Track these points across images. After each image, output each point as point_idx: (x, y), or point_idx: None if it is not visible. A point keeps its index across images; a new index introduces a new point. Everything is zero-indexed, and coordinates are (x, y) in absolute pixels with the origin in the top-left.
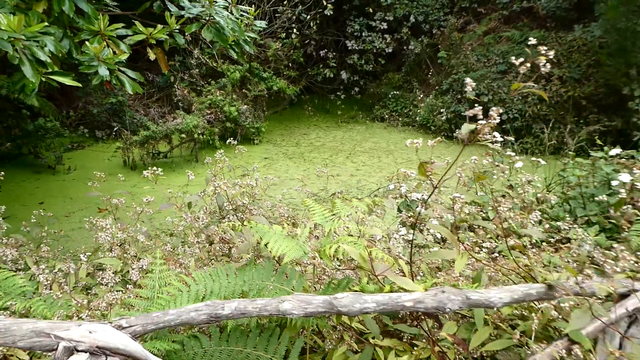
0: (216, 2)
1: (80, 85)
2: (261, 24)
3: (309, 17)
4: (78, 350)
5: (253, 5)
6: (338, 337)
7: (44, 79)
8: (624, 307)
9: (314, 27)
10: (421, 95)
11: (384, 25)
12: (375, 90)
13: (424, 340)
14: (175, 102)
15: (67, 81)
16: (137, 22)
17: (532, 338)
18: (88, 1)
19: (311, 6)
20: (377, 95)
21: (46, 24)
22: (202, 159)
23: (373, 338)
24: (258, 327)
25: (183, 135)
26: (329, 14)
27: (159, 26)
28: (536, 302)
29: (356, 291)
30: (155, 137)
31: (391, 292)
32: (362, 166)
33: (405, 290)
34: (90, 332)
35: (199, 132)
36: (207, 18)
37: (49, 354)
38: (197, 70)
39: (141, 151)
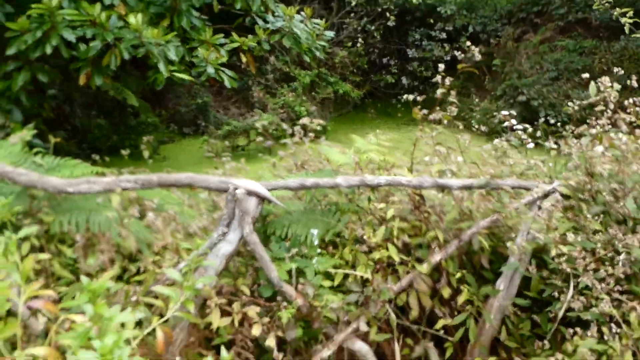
0: (294, 16)
1: (194, 80)
2: (330, 34)
3: (373, 27)
4: (237, 191)
5: (323, 18)
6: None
7: (169, 75)
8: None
9: (378, 37)
10: (477, 100)
11: (444, 35)
12: (432, 96)
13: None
14: (252, 103)
15: (185, 76)
16: (233, 33)
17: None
18: (198, 17)
19: (375, 18)
20: (434, 101)
21: (172, 35)
22: (275, 151)
23: None
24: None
25: (259, 130)
26: (391, 25)
27: (250, 36)
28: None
29: None
30: (236, 132)
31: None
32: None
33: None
34: (247, 184)
35: (273, 128)
36: (287, 29)
37: (223, 194)
38: (272, 75)
39: (223, 144)
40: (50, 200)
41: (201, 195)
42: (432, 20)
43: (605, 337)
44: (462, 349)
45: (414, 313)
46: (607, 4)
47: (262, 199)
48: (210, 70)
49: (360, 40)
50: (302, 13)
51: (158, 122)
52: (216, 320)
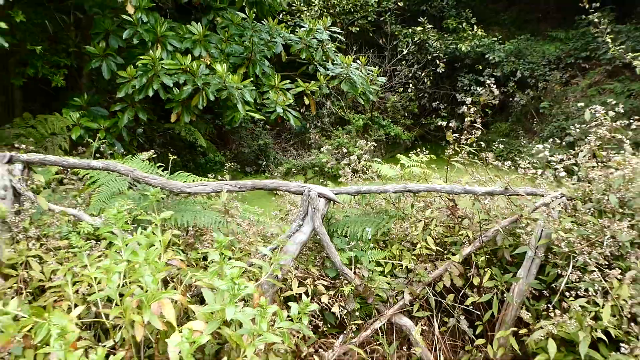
0: (351, 64)
1: (264, 118)
2: (382, 79)
3: (423, 74)
4: (310, 192)
5: (376, 66)
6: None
7: (245, 114)
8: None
9: (428, 83)
10: (524, 141)
11: (492, 80)
12: (483, 138)
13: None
14: (308, 144)
15: (257, 115)
16: (298, 79)
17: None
18: (268, 66)
19: (426, 65)
20: (485, 142)
21: (248, 81)
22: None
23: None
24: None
25: (316, 168)
26: (441, 72)
27: (312, 82)
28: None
29: None
30: (295, 170)
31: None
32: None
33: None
34: (318, 188)
35: (329, 166)
36: (345, 76)
37: (299, 196)
38: (327, 119)
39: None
40: (166, 203)
41: (272, 213)
42: (480, 67)
43: (595, 300)
44: (491, 328)
45: (443, 285)
46: (621, 50)
47: (328, 200)
48: (279, 110)
49: (411, 85)
50: (358, 61)
51: (223, 161)
52: (295, 287)
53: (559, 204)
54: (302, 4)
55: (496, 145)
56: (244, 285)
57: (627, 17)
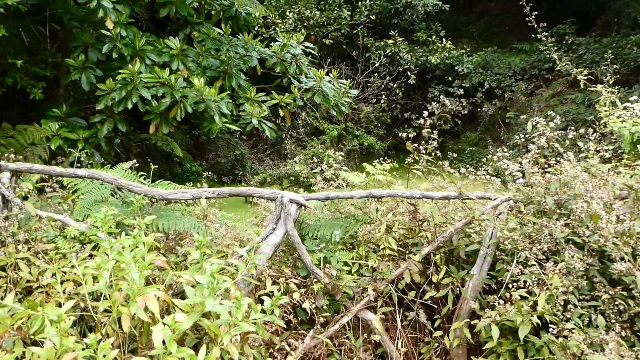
0: (323, 77)
1: (241, 130)
2: (354, 91)
3: (395, 85)
4: (283, 198)
5: (349, 78)
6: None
7: (222, 126)
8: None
9: (400, 94)
10: (492, 150)
11: (461, 91)
12: (454, 147)
13: None
14: (284, 154)
15: (234, 126)
16: (273, 92)
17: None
18: (244, 79)
19: (397, 76)
20: (455, 151)
21: (225, 94)
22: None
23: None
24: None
25: (292, 178)
26: (412, 83)
27: (287, 94)
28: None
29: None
30: (271, 180)
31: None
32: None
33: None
34: (290, 195)
35: (304, 176)
36: (317, 88)
37: (273, 201)
38: (303, 129)
39: None
40: (147, 210)
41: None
42: (450, 78)
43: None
44: (449, 322)
45: (405, 283)
46: (567, 65)
47: (300, 205)
48: (255, 121)
49: (383, 96)
50: (330, 75)
51: (200, 171)
52: (268, 285)
53: (506, 207)
54: (276, 17)
55: (465, 154)
56: (222, 280)
57: (587, 31)
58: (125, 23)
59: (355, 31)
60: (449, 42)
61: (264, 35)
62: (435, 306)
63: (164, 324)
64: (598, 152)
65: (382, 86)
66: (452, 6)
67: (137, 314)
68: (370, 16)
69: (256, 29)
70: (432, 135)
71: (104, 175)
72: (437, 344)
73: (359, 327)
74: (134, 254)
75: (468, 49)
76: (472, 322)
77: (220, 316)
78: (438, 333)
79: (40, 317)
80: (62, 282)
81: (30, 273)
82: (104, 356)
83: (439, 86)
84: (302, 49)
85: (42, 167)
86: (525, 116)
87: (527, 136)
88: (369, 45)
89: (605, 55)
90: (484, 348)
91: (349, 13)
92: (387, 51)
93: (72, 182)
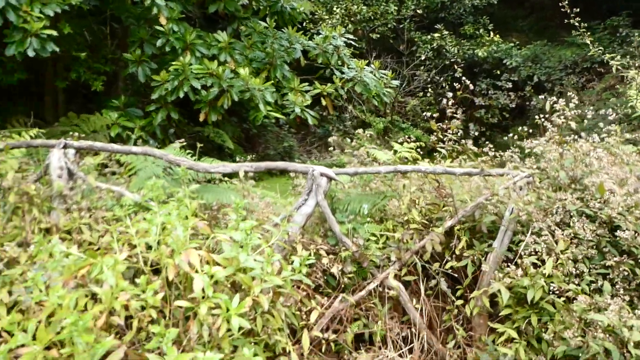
0: (364, 68)
1: (284, 118)
2: (396, 82)
3: (441, 79)
4: (314, 172)
5: (395, 72)
6: None
7: (266, 113)
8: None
9: (446, 87)
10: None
11: (509, 85)
12: (501, 140)
13: None
14: (331, 146)
15: (278, 114)
16: (316, 82)
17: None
18: (288, 70)
19: (443, 69)
20: (502, 145)
21: (269, 83)
22: None
23: None
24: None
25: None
26: (458, 76)
27: (329, 84)
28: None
29: None
30: None
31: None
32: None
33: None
34: (320, 169)
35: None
36: (358, 79)
37: (305, 175)
38: (349, 122)
39: None
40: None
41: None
42: (498, 72)
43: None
44: (470, 292)
45: (429, 254)
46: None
47: (330, 179)
48: (297, 110)
49: (430, 90)
50: (372, 65)
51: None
52: (299, 250)
53: (525, 183)
54: (324, 13)
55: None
56: (255, 237)
57: None
58: (177, 19)
59: (401, 25)
60: (497, 35)
61: (311, 30)
62: (458, 277)
63: (203, 272)
64: (618, 133)
65: (428, 79)
66: (503, 1)
67: (181, 265)
68: (417, 10)
69: (304, 24)
70: (455, 115)
71: (156, 152)
72: (458, 312)
73: (384, 295)
74: (178, 213)
75: (517, 43)
76: (490, 291)
77: (253, 270)
78: (459, 302)
79: (99, 265)
80: (117, 241)
81: (91, 236)
82: (153, 294)
83: (487, 79)
84: (343, 41)
85: (101, 145)
86: (543, 96)
87: (546, 116)
88: (415, 39)
89: None
90: (500, 315)
91: (396, 8)
92: (434, 45)
93: (128, 160)
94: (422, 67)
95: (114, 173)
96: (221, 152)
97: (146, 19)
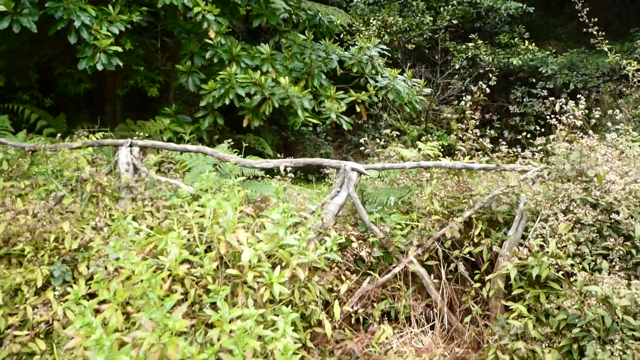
0: (397, 76)
1: (320, 122)
2: (427, 90)
3: (476, 87)
4: (346, 167)
5: (429, 81)
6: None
7: (304, 119)
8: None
9: (481, 95)
10: None
11: (544, 92)
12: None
13: None
14: (366, 154)
15: (315, 120)
16: (351, 90)
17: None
18: (325, 79)
19: (478, 78)
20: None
21: (307, 91)
22: None
23: None
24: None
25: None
26: (492, 85)
27: (363, 92)
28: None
29: None
30: None
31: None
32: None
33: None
34: (352, 164)
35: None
36: (391, 87)
37: (336, 170)
38: (385, 130)
39: None
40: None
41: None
42: (534, 80)
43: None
44: (487, 275)
45: (448, 242)
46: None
47: (360, 173)
48: (333, 116)
49: (464, 98)
50: (405, 74)
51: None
52: (333, 235)
53: (536, 175)
54: (361, 25)
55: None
56: (292, 217)
57: None
58: (224, 33)
59: (437, 36)
60: (532, 44)
61: (348, 41)
62: (476, 262)
63: (249, 246)
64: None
65: (463, 88)
66: (542, 9)
67: (231, 241)
68: (453, 20)
69: (341, 36)
70: (473, 116)
71: (207, 150)
72: (476, 294)
73: (408, 278)
74: (228, 197)
75: (554, 51)
76: (503, 273)
77: (291, 247)
78: (477, 285)
79: (164, 239)
80: (177, 223)
81: (153, 221)
82: (211, 262)
83: (522, 88)
84: (377, 51)
85: (161, 144)
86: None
87: (557, 116)
88: (450, 49)
89: None
90: (512, 294)
91: (431, 18)
92: (468, 54)
93: (182, 159)
94: (456, 76)
95: (170, 169)
96: (261, 158)
97: (196, 33)
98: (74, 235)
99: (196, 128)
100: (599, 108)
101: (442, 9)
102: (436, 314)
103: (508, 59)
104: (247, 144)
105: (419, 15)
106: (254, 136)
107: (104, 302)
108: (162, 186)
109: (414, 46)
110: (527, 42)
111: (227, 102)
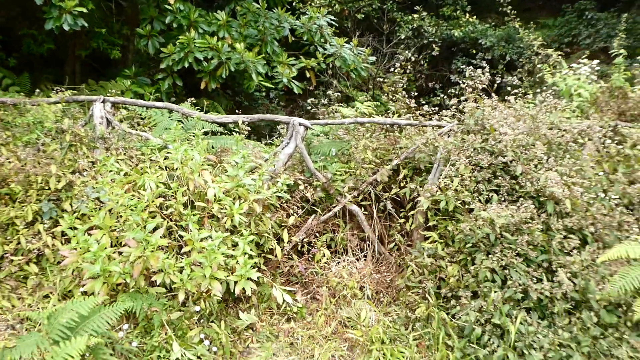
0: (343, 45)
1: (273, 86)
2: (372, 58)
3: (420, 57)
4: (294, 121)
5: (376, 50)
6: None
7: (258, 83)
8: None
9: (425, 65)
10: None
11: (484, 63)
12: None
13: None
14: (317, 117)
15: (268, 84)
16: (301, 57)
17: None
18: (277, 46)
19: (422, 48)
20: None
21: (261, 57)
22: None
23: None
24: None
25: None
26: (435, 55)
27: (313, 59)
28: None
29: None
30: None
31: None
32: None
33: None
34: (299, 120)
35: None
36: (338, 54)
37: (286, 126)
38: (334, 96)
39: None
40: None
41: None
42: (474, 51)
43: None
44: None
45: (380, 187)
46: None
47: (306, 128)
48: (285, 80)
49: (409, 67)
50: (351, 43)
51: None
52: (283, 177)
53: (449, 130)
54: None
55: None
56: (250, 161)
57: (612, 6)
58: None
59: (385, 6)
60: (473, 17)
61: (300, 9)
62: (402, 203)
63: (214, 186)
64: (524, 94)
65: (408, 57)
66: None
67: (197, 180)
68: None
69: (293, 4)
70: (401, 80)
71: (174, 106)
72: (401, 228)
73: (347, 217)
74: (195, 145)
75: (493, 24)
76: (423, 209)
77: (249, 186)
78: (402, 220)
79: (142, 178)
80: (149, 167)
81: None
82: (182, 196)
83: (463, 58)
84: (326, 21)
85: (132, 100)
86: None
87: (467, 82)
88: (397, 19)
89: (618, 29)
90: (428, 225)
91: None
92: (414, 25)
93: (150, 115)
94: (402, 46)
95: (138, 124)
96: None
97: None
98: (57, 178)
99: (156, 89)
100: (530, 77)
101: None
102: (368, 245)
103: (450, 30)
104: (202, 106)
105: None
106: (209, 100)
107: (92, 228)
108: (132, 138)
109: (363, 16)
110: (468, 14)
111: (186, 65)
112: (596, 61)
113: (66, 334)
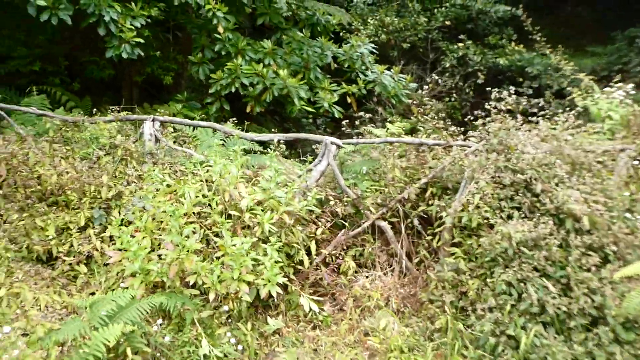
0: (384, 72)
1: (315, 111)
2: (413, 85)
3: (465, 85)
4: (326, 140)
5: (417, 77)
6: None
7: (300, 107)
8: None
9: (470, 93)
10: None
11: (530, 91)
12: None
13: None
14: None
15: (310, 108)
16: (343, 83)
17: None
18: (320, 73)
19: (467, 77)
20: None
21: (303, 82)
22: None
23: None
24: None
25: None
26: (480, 83)
27: (354, 85)
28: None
29: None
30: None
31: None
32: None
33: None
34: (331, 139)
35: None
36: (379, 81)
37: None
38: (379, 123)
39: None
40: None
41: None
42: (521, 79)
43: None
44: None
45: (409, 204)
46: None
47: (338, 147)
48: (326, 105)
49: (454, 95)
50: (391, 70)
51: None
52: (313, 191)
53: (476, 150)
54: (359, 24)
55: None
56: (282, 175)
57: None
58: (231, 29)
59: (430, 35)
60: (520, 45)
61: (347, 39)
62: (430, 221)
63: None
64: (551, 117)
65: (453, 85)
66: (531, 11)
67: (233, 193)
68: (446, 22)
69: (340, 34)
70: (431, 102)
71: (217, 125)
72: (428, 245)
73: (376, 233)
74: (233, 160)
75: (540, 52)
76: (449, 226)
77: (280, 198)
78: (429, 237)
79: (183, 188)
80: (192, 179)
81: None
82: (216, 204)
83: (509, 87)
84: (367, 49)
85: (179, 120)
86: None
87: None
88: (442, 48)
89: None
90: (453, 242)
91: (426, 19)
92: (459, 53)
93: (195, 135)
94: (446, 74)
95: (184, 142)
96: (264, 148)
97: (206, 29)
98: (108, 188)
99: (205, 113)
100: (560, 100)
101: (436, 10)
102: (396, 260)
103: (496, 58)
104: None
105: (415, 16)
106: (257, 126)
107: (136, 231)
108: (178, 154)
109: (409, 45)
110: (513, 43)
111: (233, 90)
112: (631, 85)
113: (105, 321)
